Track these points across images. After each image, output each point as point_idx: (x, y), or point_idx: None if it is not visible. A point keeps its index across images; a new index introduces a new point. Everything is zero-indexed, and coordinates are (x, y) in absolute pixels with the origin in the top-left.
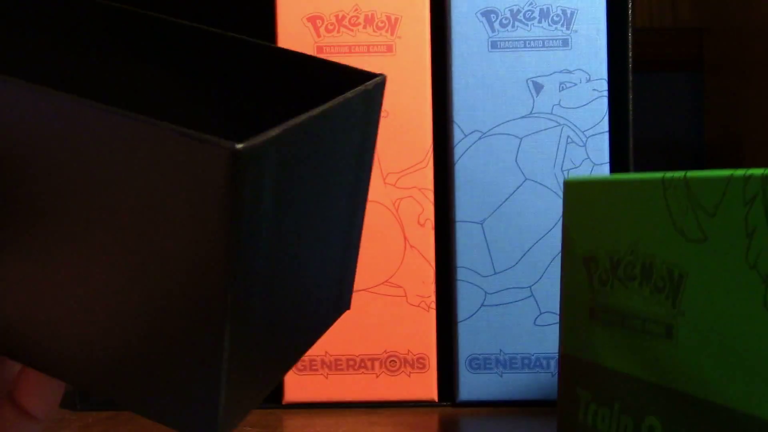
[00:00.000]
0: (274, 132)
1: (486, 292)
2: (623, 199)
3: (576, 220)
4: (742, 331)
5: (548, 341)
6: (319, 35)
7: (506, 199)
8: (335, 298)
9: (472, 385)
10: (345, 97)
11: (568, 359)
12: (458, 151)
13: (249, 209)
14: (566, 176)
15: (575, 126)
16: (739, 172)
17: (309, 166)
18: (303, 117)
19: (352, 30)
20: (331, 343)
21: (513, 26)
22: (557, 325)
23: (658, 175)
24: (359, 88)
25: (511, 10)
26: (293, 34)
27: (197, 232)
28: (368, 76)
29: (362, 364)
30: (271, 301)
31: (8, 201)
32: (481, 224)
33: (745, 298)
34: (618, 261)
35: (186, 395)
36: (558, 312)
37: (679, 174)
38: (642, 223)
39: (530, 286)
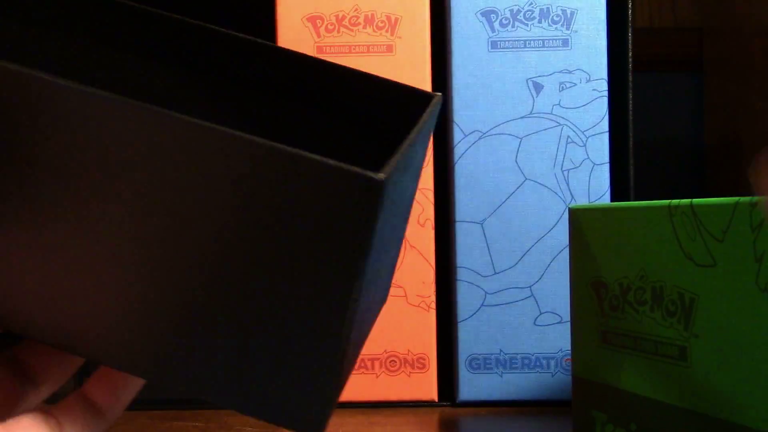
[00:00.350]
0: (396, 159)
1: (486, 292)
2: (629, 226)
3: (582, 247)
4: (756, 352)
5: (548, 341)
6: (319, 35)
7: (506, 199)
8: (383, 297)
9: (472, 385)
10: (424, 120)
11: (581, 382)
12: (458, 151)
13: (377, 226)
14: (566, 176)
15: (575, 126)
16: (745, 199)
17: (399, 182)
18: (409, 141)
19: (352, 30)
20: None
21: (513, 26)
22: (557, 325)
23: (665, 202)
24: (429, 110)
25: (511, 10)
26: (293, 34)
27: (327, 247)
28: (416, 93)
29: (362, 364)
30: (362, 304)
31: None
32: (481, 224)
33: (757, 321)
34: (628, 286)
35: (293, 394)
36: (558, 312)
37: (685, 201)
38: (650, 249)
39: (530, 286)
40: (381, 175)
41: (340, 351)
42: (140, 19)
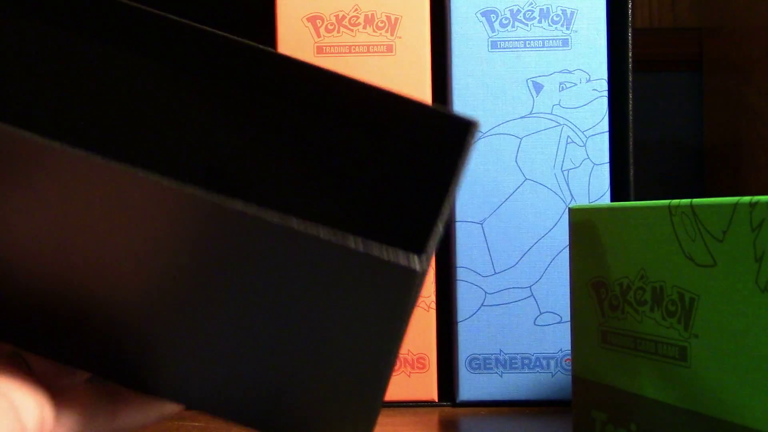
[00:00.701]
0: (431, 245)
1: (486, 292)
2: (629, 226)
3: (582, 247)
4: (757, 352)
5: (548, 341)
6: (319, 35)
7: (506, 199)
8: None
9: (472, 385)
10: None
11: (581, 382)
12: None
13: (413, 301)
14: (566, 176)
15: (575, 126)
16: (745, 199)
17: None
18: (449, 204)
19: (352, 30)
20: None
21: (513, 26)
22: (557, 325)
23: (664, 202)
24: (469, 146)
25: (511, 10)
26: (293, 34)
27: (370, 315)
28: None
29: None
30: None
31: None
32: (481, 224)
33: (757, 321)
34: (628, 286)
35: (344, 426)
36: (558, 312)
37: (685, 201)
38: (650, 249)
39: (530, 286)
40: (418, 266)
41: (381, 397)
42: (141, 19)
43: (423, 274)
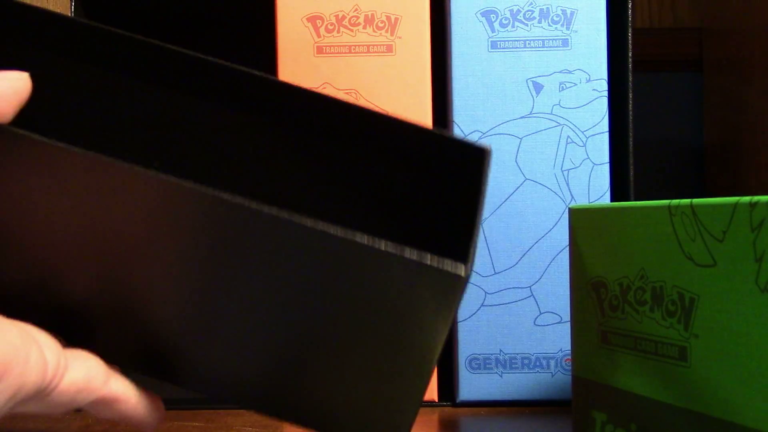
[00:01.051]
0: (474, 244)
1: (486, 292)
2: (630, 226)
3: (583, 247)
4: (757, 352)
5: (548, 341)
6: (319, 35)
7: (506, 199)
8: None
9: (472, 385)
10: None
11: (581, 382)
12: None
13: (457, 306)
14: (566, 176)
15: (575, 126)
16: (745, 199)
17: None
18: (479, 217)
19: (352, 30)
20: None
21: (513, 26)
22: (557, 325)
23: (664, 202)
24: (486, 171)
25: (511, 10)
26: (293, 34)
27: (419, 328)
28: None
29: None
30: None
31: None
32: (481, 224)
33: (757, 321)
34: (628, 286)
35: (384, 423)
36: (558, 312)
37: (685, 201)
38: (650, 249)
39: (530, 286)
40: (463, 272)
41: (422, 393)
42: (175, 57)
43: (467, 279)
